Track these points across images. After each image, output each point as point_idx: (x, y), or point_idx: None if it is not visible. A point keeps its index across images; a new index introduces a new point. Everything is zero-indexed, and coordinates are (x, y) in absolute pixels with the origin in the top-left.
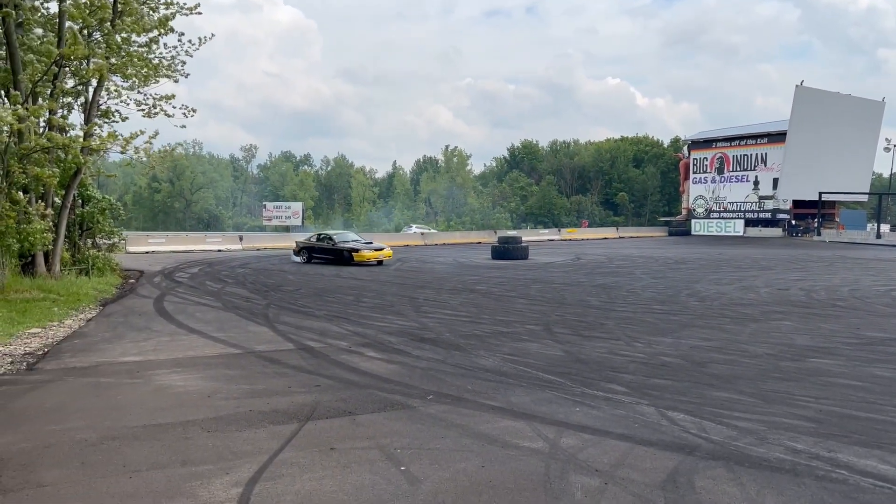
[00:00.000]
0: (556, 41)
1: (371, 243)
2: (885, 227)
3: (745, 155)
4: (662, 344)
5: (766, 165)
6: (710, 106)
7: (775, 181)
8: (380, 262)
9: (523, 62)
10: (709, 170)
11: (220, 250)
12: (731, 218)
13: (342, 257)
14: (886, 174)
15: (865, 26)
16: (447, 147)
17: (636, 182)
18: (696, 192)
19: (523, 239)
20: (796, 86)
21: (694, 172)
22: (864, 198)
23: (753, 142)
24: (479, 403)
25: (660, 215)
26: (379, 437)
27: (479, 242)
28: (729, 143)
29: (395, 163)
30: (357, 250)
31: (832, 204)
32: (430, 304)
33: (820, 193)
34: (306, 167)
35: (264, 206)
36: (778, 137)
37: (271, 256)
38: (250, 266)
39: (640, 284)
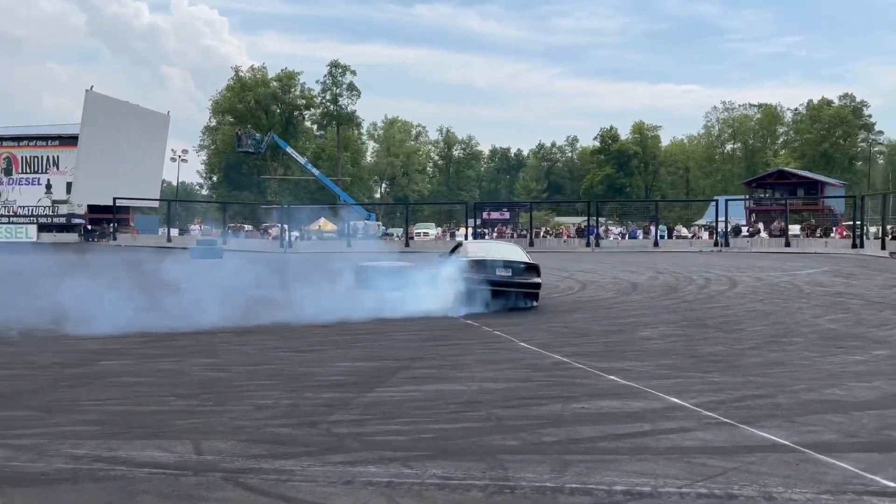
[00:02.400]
0: None
1: None
2: (174, 231)
3: (35, 156)
4: None
5: (58, 168)
6: None
7: (69, 185)
8: None
9: None
10: None
11: None
12: (23, 223)
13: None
14: (175, 182)
15: (149, 42)
16: None
17: None
18: None
19: None
20: (86, 90)
21: None
22: (157, 204)
23: (44, 143)
24: None
25: None
26: None
27: None
28: (17, 143)
29: None
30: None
31: (127, 209)
32: None
33: (114, 199)
34: None
35: None
36: (70, 140)
37: None
38: None
39: None
